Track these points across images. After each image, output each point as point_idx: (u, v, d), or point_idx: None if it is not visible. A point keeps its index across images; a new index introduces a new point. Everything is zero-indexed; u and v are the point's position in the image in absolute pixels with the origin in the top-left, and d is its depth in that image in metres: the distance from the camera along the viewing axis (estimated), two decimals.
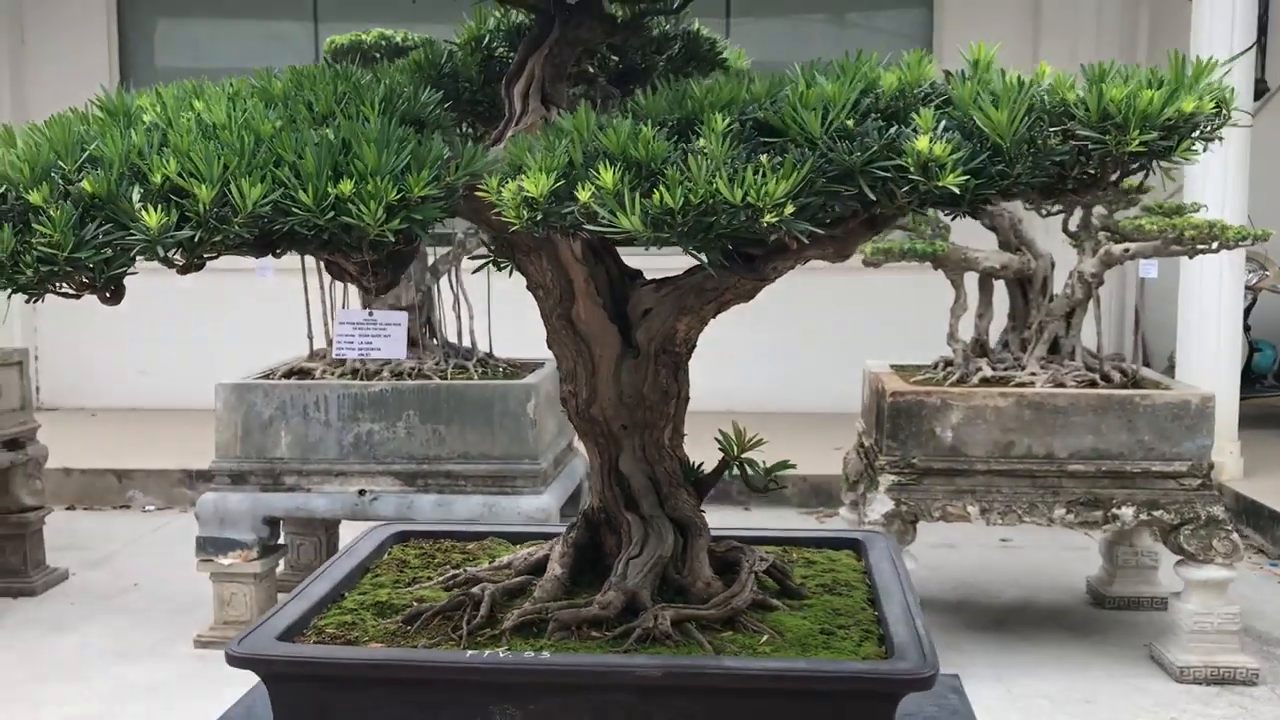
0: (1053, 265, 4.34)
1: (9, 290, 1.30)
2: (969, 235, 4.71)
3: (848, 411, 5.41)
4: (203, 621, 4.47)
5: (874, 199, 1.25)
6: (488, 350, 4.68)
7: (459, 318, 4.65)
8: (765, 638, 1.56)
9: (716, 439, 1.73)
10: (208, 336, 8.18)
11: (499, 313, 4.71)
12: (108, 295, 1.34)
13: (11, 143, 1.39)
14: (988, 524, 4.07)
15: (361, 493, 4.27)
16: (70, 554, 5.48)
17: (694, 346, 1.70)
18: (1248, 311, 7.33)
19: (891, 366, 4.60)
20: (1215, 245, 4.00)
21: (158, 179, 1.31)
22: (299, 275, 4.80)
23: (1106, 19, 7.80)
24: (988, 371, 4.21)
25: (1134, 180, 4.16)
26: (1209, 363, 6.01)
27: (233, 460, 4.35)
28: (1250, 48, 5.82)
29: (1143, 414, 4.01)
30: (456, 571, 1.81)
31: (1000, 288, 4.38)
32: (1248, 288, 7.04)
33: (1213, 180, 5.89)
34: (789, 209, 1.20)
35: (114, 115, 1.47)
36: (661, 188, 1.20)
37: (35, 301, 1.34)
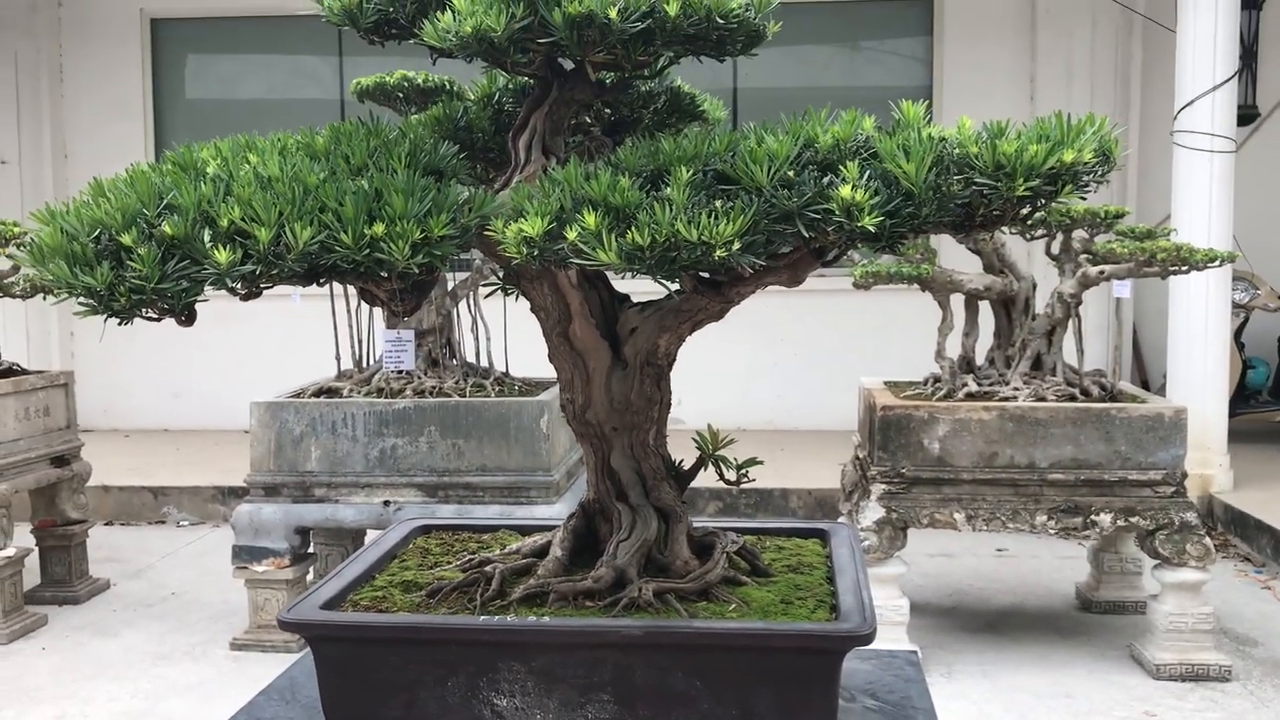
0: (1034, 287, 4.60)
1: (105, 315, 1.59)
2: (956, 259, 4.99)
3: (852, 428, 5.67)
4: (237, 626, 4.77)
5: (808, 236, 1.53)
6: (504, 370, 4.98)
7: (477, 339, 4.95)
8: (733, 606, 1.83)
9: (693, 439, 2.00)
10: (237, 360, 8.51)
11: (514, 334, 5.00)
12: (183, 318, 1.63)
13: (104, 193, 1.69)
14: (974, 530, 4.32)
15: (386, 504, 4.55)
16: (110, 566, 5.79)
17: (674, 359, 1.98)
18: (1241, 330, 7.56)
19: (884, 383, 4.86)
20: (1185, 268, 4.25)
21: (225, 223, 1.60)
22: (324, 300, 5.10)
23: (1100, 48, 8.07)
24: (973, 387, 4.47)
25: (1111, 208, 4.43)
26: (1198, 379, 6.24)
27: (266, 474, 4.65)
28: (1231, 78, 6.07)
29: (1119, 426, 4.26)
30: (472, 557, 2.08)
31: (985, 308, 4.65)
32: (1240, 306, 7.28)
33: (1198, 204, 6.14)
34: (736, 245, 1.48)
35: (185, 169, 1.77)
36: (633, 229, 1.49)
37: (125, 324, 1.63)
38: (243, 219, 1.60)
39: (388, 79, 4.52)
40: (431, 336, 4.88)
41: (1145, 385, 8.08)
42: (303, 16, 7.45)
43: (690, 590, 1.86)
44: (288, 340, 7.74)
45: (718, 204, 1.52)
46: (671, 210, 1.50)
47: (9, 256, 5.01)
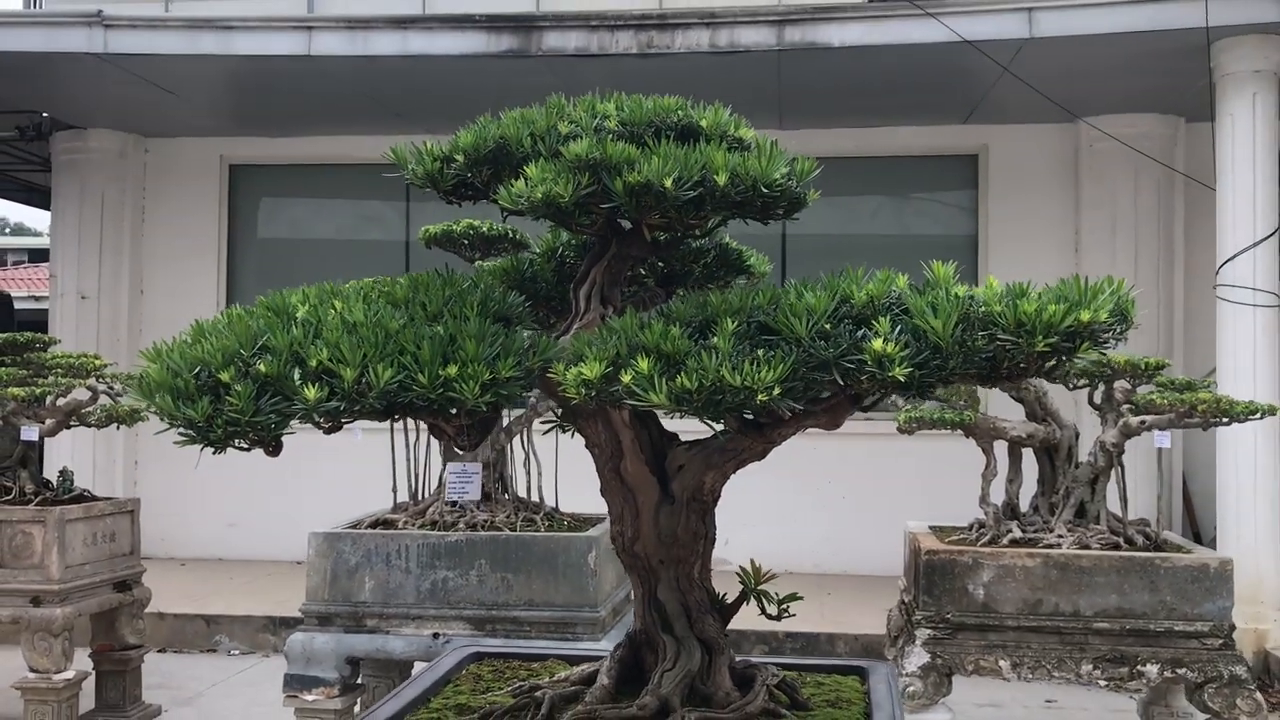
0: (1077, 435, 4.67)
1: (202, 445, 1.75)
2: (1001, 406, 5.09)
3: (899, 573, 5.69)
4: None
5: (844, 384, 1.67)
6: (554, 505, 5.10)
7: (529, 474, 5.09)
8: None
9: (737, 574, 2.11)
10: (293, 492, 8.69)
11: (565, 470, 5.13)
12: (271, 449, 1.79)
13: (204, 335, 1.87)
14: (1019, 678, 4.32)
15: (435, 635, 4.63)
16: (162, 692, 5.88)
17: (719, 496, 2.10)
18: None
19: (930, 527, 4.92)
20: (1226, 420, 4.32)
21: (314, 363, 1.77)
22: (381, 433, 5.29)
23: (1143, 201, 8.25)
24: (1017, 533, 4.51)
25: (1151, 360, 4.53)
26: (1248, 533, 6.21)
27: (321, 603, 4.76)
28: (1271, 235, 6.21)
29: (1164, 575, 4.27)
30: (523, 683, 2.19)
31: (1029, 455, 4.72)
32: None
33: (1243, 356, 6.21)
34: (776, 391, 1.62)
35: (277, 313, 1.95)
36: (683, 374, 1.63)
37: (219, 453, 1.79)
38: (330, 360, 1.76)
39: (454, 227, 4.78)
40: (486, 471, 5.02)
41: (1197, 537, 8.01)
42: (371, 164, 7.85)
43: None
44: (344, 472, 7.92)
45: (760, 353, 1.67)
46: (718, 358, 1.65)
47: (89, 388, 5.26)
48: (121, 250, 9.40)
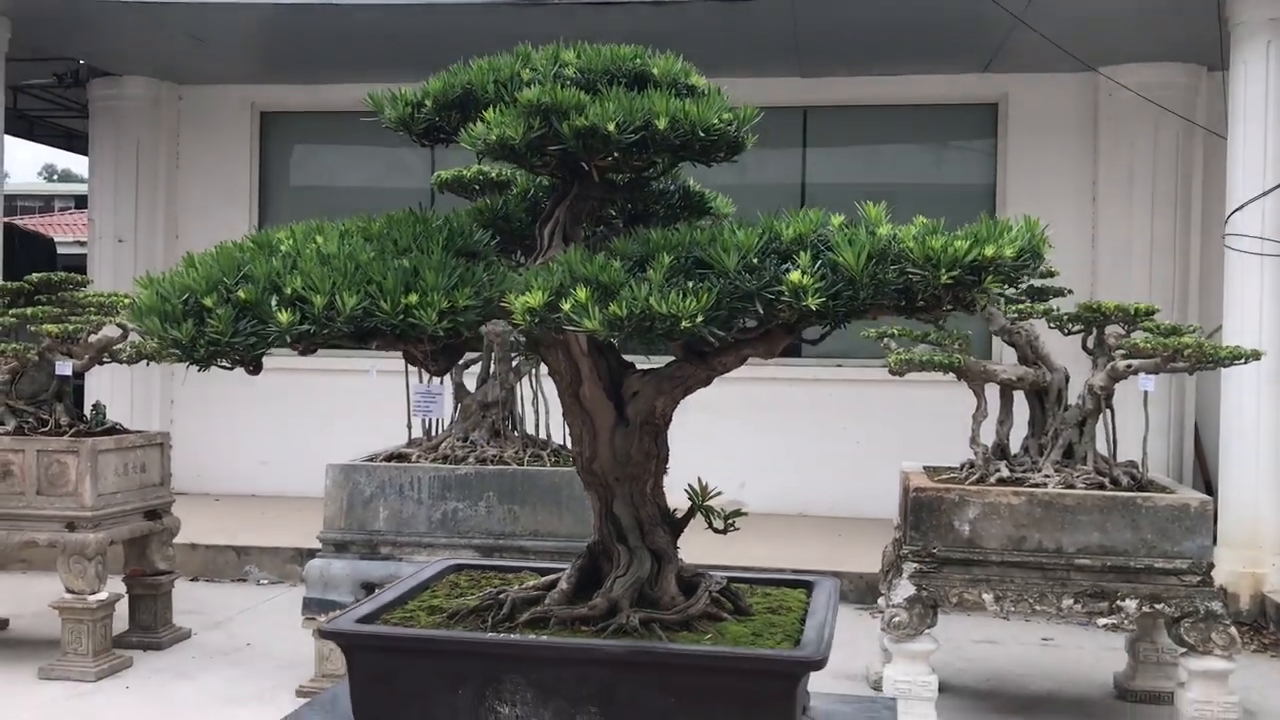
0: (1067, 379, 4.79)
1: (187, 363, 1.94)
2: (996, 352, 5.20)
3: None
4: (304, 675, 5.08)
5: (764, 314, 1.82)
6: (560, 443, 5.29)
7: (537, 413, 5.29)
8: (709, 635, 2.09)
9: (685, 490, 2.28)
10: (321, 431, 8.96)
11: None
12: (252, 369, 1.98)
13: (194, 265, 2.06)
14: (1001, 611, 4.48)
15: None
16: (192, 617, 6.18)
17: (669, 420, 2.27)
18: None
19: (924, 468, 5.07)
20: (1211, 364, 4.42)
21: (289, 291, 1.94)
22: (399, 376, 5.50)
23: (1161, 153, 8.24)
24: (1005, 473, 4.66)
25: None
26: (1249, 478, 6.30)
27: (338, 531, 5.00)
28: (1276, 188, 6.23)
29: (1145, 514, 4.41)
30: (492, 590, 2.38)
31: (1020, 397, 4.85)
32: None
33: (1249, 306, 6.27)
34: (700, 319, 1.78)
35: (261, 246, 2.13)
36: (614, 303, 1.80)
37: (203, 370, 1.98)
38: (303, 288, 1.94)
39: (465, 173, 4.94)
40: (495, 409, 5.23)
41: (1208, 486, 8.08)
42: None
43: (673, 621, 2.13)
44: (370, 412, 8.16)
45: (690, 284, 1.83)
46: (649, 288, 1.81)
47: (119, 325, 5.51)
48: (156, 195, 9.65)
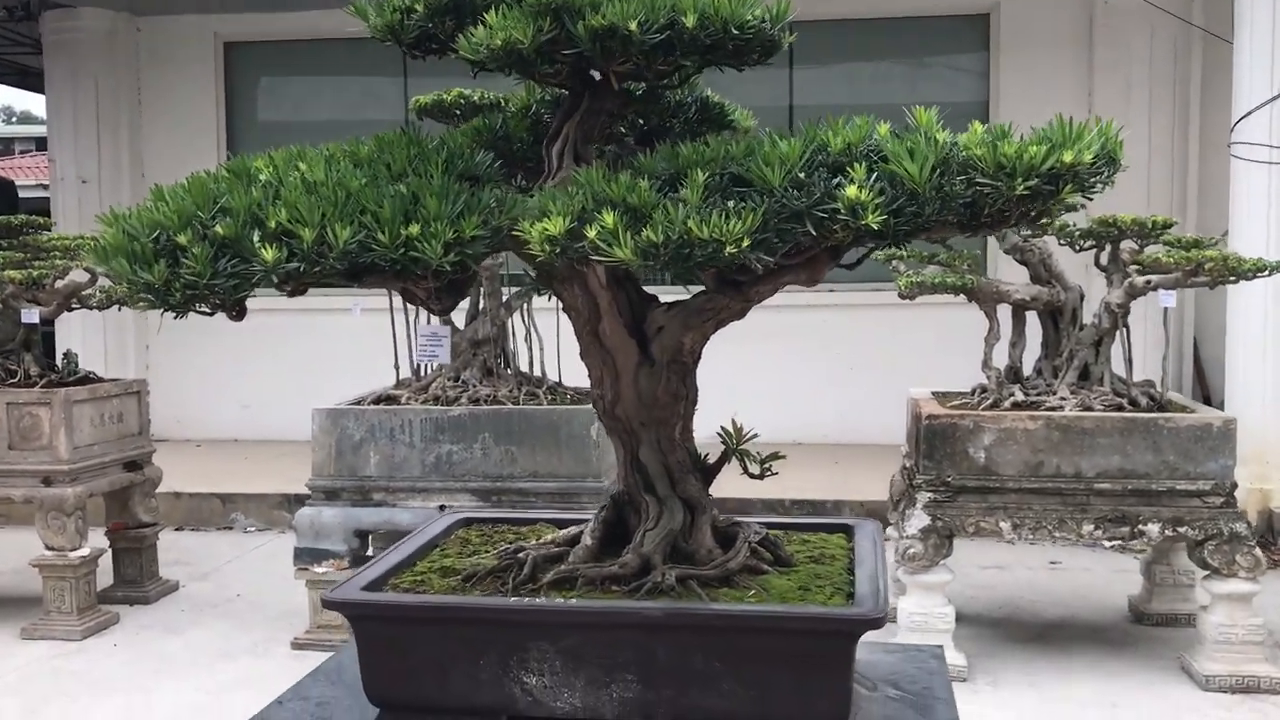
0: (1082, 297, 4.61)
1: (162, 309, 1.71)
2: (1009, 267, 5.01)
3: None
4: (298, 626, 4.92)
5: (817, 234, 1.61)
6: (556, 379, 5.09)
7: (530, 350, 5.07)
8: (753, 592, 1.91)
9: (718, 433, 2.08)
10: (304, 373, 8.73)
11: (566, 345, 5.10)
12: (234, 314, 1.76)
13: (163, 198, 1.82)
14: (1020, 539, 4.34)
15: (441, 508, 4.68)
16: (179, 568, 6.00)
17: (699, 357, 2.06)
18: None
19: (932, 393, 4.90)
20: (1234, 278, 4.24)
21: (272, 224, 1.71)
22: (385, 315, 5.27)
23: (1158, 61, 8.01)
24: (1019, 396, 4.49)
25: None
26: (1256, 392, 6.16)
27: (327, 478, 4.80)
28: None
29: (1166, 436, 4.26)
30: (508, 546, 2.18)
31: (1033, 318, 4.67)
32: None
33: (1256, 216, 6.09)
34: (746, 243, 1.56)
35: (238, 175, 1.90)
36: (649, 227, 1.58)
37: (180, 317, 1.76)
38: (289, 220, 1.71)
39: (445, 96, 4.67)
40: (487, 347, 5.01)
41: (1208, 403, 7.97)
42: (366, 38, 7.69)
43: (712, 577, 1.94)
44: (354, 352, 7.93)
45: (730, 204, 1.61)
46: (685, 209, 1.59)
47: (86, 269, 5.24)
48: (119, 133, 9.29)
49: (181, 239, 1.72)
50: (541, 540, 2.20)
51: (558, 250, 1.65)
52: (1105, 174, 1.71)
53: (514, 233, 1.75)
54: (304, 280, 1.73)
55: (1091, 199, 1.78)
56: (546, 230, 1.64)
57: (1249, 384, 6.18)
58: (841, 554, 2.16)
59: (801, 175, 1.65)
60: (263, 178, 1.88)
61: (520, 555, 2.05)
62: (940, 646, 2.37)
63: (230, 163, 1.94)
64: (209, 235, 1.73)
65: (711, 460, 2.11)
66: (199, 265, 1.68)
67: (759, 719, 1.79)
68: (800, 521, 2.36)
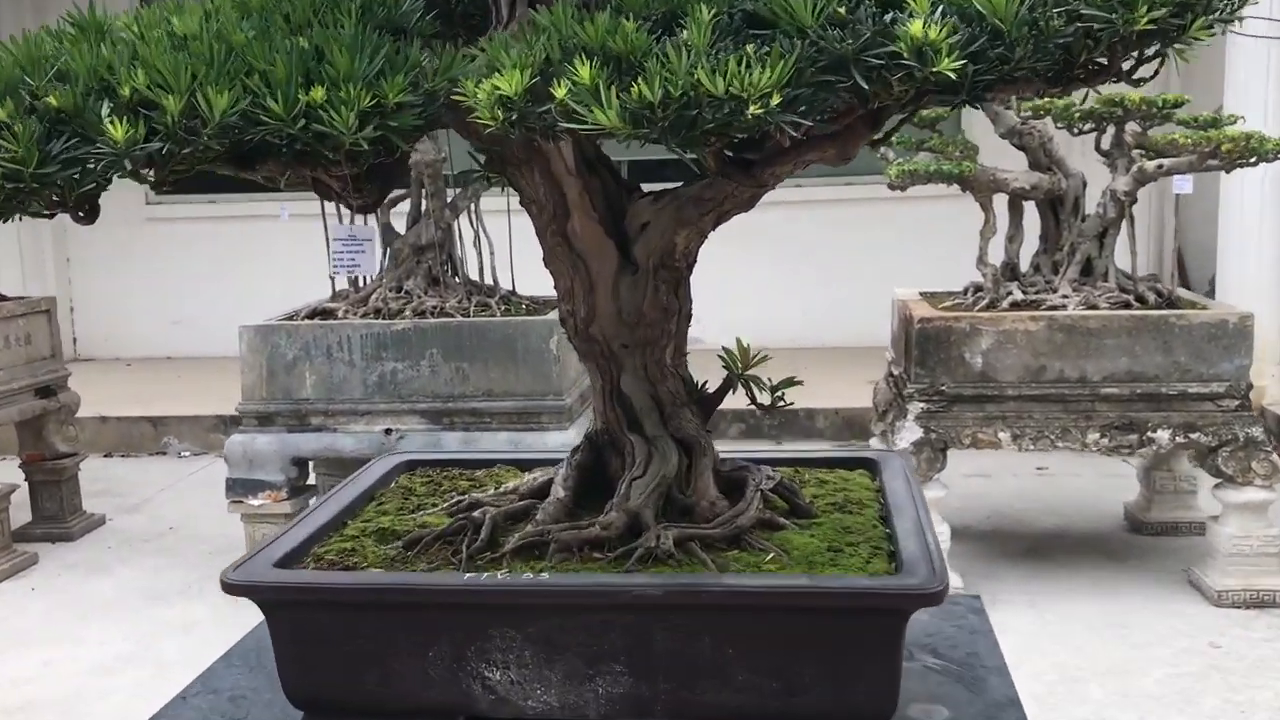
0: (1084, 185, 4.22)
1: None
2: (998, 156, 4.60)
3: (881, 344, 5.34)
4: None
5: (867, 89, 1.18)
6: (510, 287, 4.64)
7: (480, 255, 4.61)
8: (771, 555, 1.52)
9: (720, 356, 1.67)
10: (237, 286, 8.19)
11: (520, 249, 4.66)
12: (81, 215, 1.31)
13: None
14: (1020, 450, 4.01)
15: (388, 432, 4.26)
16: (107, 500, 5.55)
17: (694, 261, 1.64)
18: None
19: (921, 294, 4.52)
20: (1254, 159, 3.87)
21: (126, 92, 1.26)
22: (316, 220, 4.76)
23: None
24: (1018, 295, 4.12)
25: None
26: (1250, 284, 5.85)
27: (259, 402, 4.36)
28: None
29: (1178, 335, 3.91)
30: (460, 498, 1.78)
31: (1031, 209, 4.28)
32: None
33: (1254, 97, 5.72)
34: (775, 100, 1.13)
35: (85, 31, 1.43)
36: (640, 81, 1.14)
37: (5, 221, 1.31)
38: (148, 86, 1.26)
39: None
40: (431, 253, 4.55)
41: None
42: None
43: (719, 537, 1.55)
44: (289, 263, 7.42)
45: (749, 49, 1.17)
46: (690, 56, 1.15)
47: None
48: None
49: (0, 114, 1.26)
50: (501, 490, 1.79)
51: (514, 118, 1.21)
52: (1238, 4, 1.30)
53: (455, 97, 1.30)
54: (172, 166, 1.28)
55: (1208, 39, 1.36)
56: (498, 90, 1.20)
57: (1243, 274, 5.86)
58: (870, 498, 1.78)
59: (841, 10, 1.21)
60: (122, 34, 1.43)
61: (476, 514, 1.64)
62: (978, 597, 2.02)
63: (77, 15, 1.47)
64: (39, 109, 1.28)
65: (711, 389, 1.70)
66: (21, 148, 1.22)
67: (782, 717, 1.42)
68: (813, 456, 1.97)
